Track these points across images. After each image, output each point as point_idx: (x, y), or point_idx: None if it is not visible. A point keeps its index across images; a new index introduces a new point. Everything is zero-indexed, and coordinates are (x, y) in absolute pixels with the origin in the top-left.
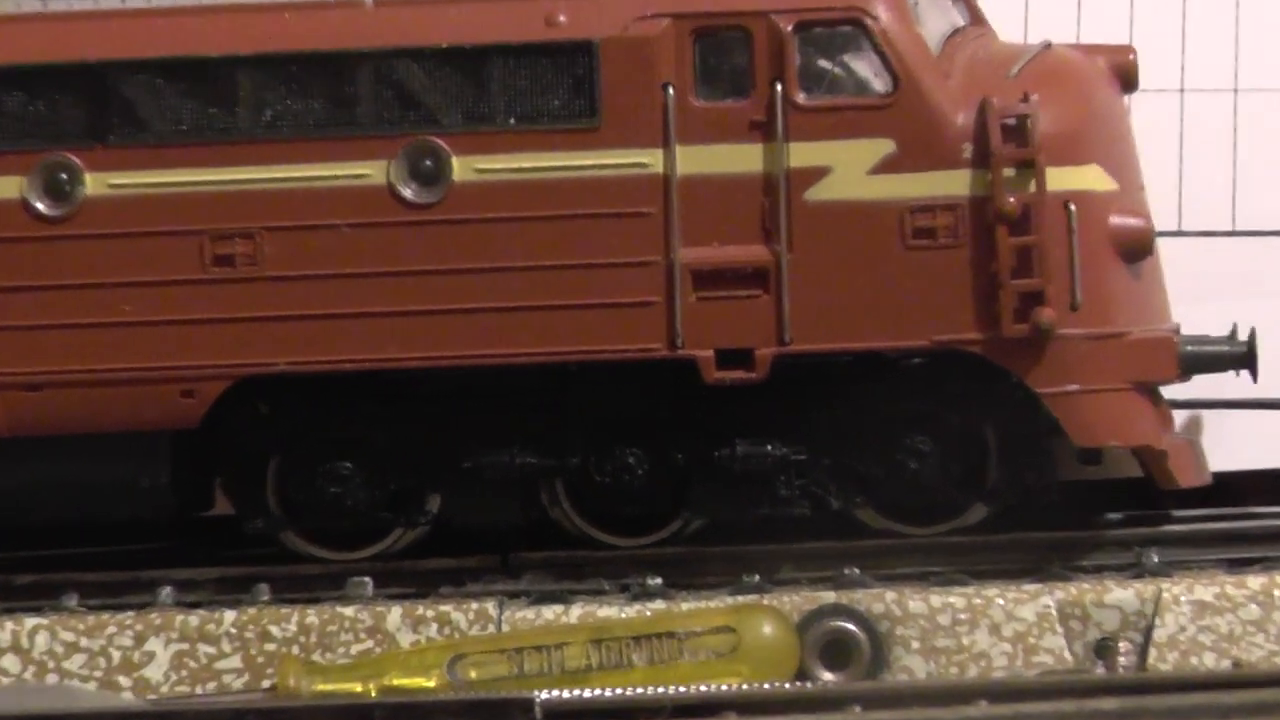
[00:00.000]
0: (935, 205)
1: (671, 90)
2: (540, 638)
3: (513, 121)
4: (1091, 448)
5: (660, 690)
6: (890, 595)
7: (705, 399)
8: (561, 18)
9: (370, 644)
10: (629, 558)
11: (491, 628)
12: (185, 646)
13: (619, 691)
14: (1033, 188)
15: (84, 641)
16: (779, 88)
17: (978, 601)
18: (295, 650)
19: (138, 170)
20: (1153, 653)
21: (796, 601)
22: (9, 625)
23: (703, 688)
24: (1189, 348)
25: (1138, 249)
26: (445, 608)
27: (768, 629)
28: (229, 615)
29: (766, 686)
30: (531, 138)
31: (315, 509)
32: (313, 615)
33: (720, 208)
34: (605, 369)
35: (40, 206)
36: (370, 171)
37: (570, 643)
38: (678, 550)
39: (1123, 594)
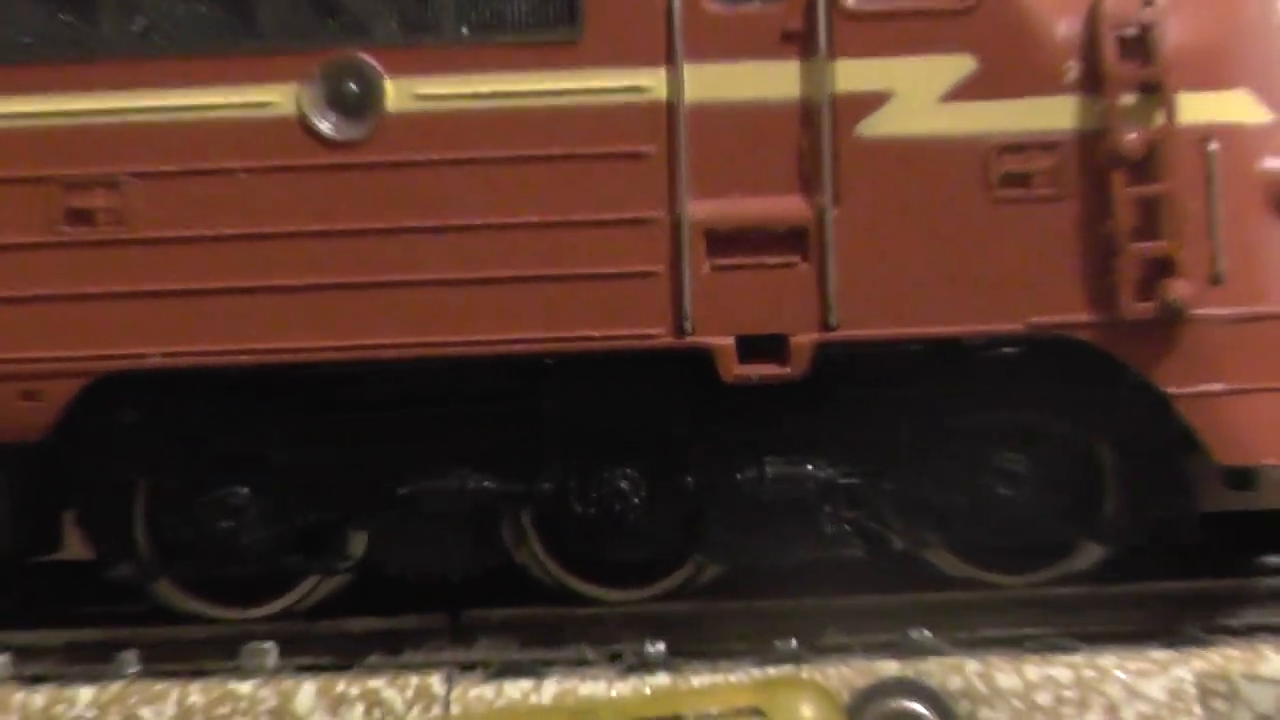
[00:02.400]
0: (1030, 143)
1: None
2: None
3: (465, 32)
4: (1241, 468)
5: None
6: (972, 666)
7: (724, 403)
8: None
9: None
10: (621, 616)
11: (437, 709)
12: None
13: None
14: (1160, 120)
15: None
16: None
17: (1089, 674)
18: None
19: None
20: None
21: (846, 675)
22: None
23: None
24: None
25: None
26: (375, 683)
27: (807, 712)
28: (84, 693)
29: None
30: (490, 54)
31: (199, 550)
32: (197, 694)
33: (743, 147)
34: (590, 363)
35: None
36: (275, 98)
37: None
38: (687, 607)
39: None
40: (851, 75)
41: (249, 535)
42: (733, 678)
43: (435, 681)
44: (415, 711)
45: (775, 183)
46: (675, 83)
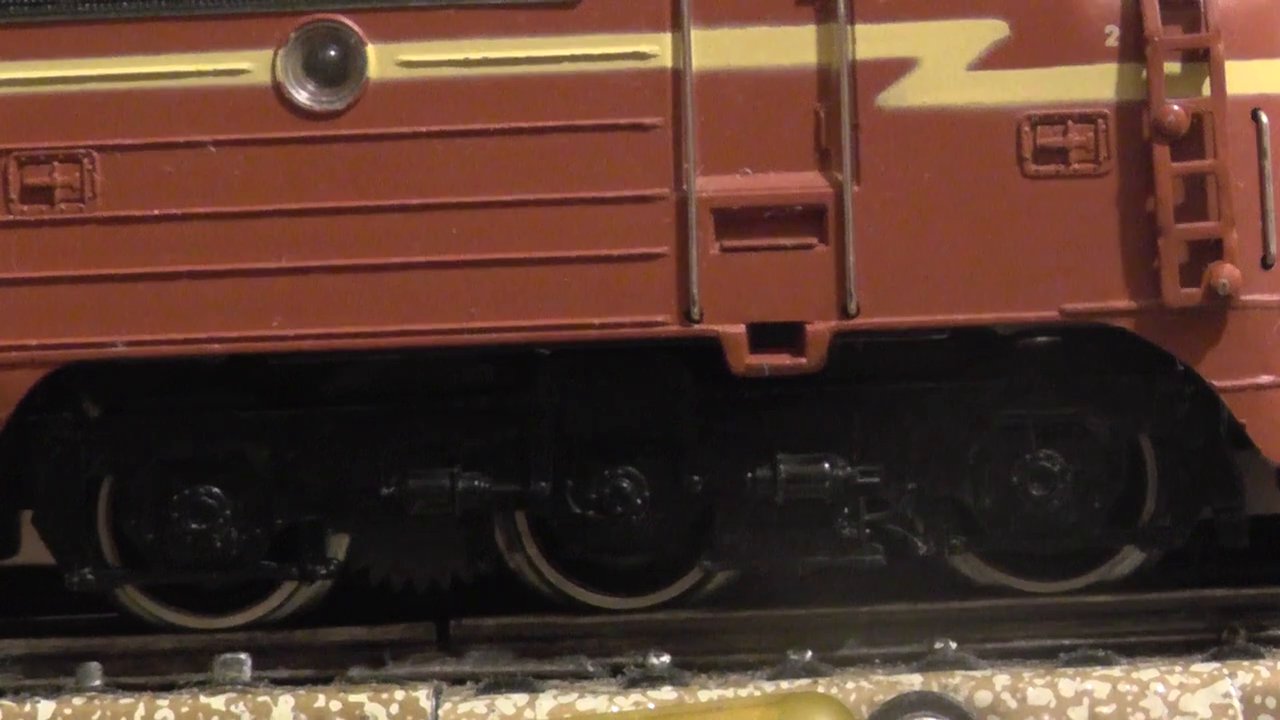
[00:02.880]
0: (1067, 115)
1: None
2: None
3: None
4: None
5: None
6: (1002, 680)
7: (734, 395)
8: None
9: None
10: (623, 626)
11: None
12: None
13: None
14: (1207, 90)
15: None
16: None
17: (1128, 689)
18: None
19: None
20: None
21: (866, 689)
22: None
23: None
24: None
25: None
26: (357, 698)
27: None
28: (44, 708)
29: None
30: (480, 18)
31: (168, 555)
32: (165, 709)
33: (755, 119)
34: (589, 353)
35: None
36: (248, 65)
37: None
38: (694, 616)
39: None
40: (873, 41)
41: (221, 538)
42: (743, 692)
43: (422, 696)
44: None
45: (790, 158)
46: (682, 49)
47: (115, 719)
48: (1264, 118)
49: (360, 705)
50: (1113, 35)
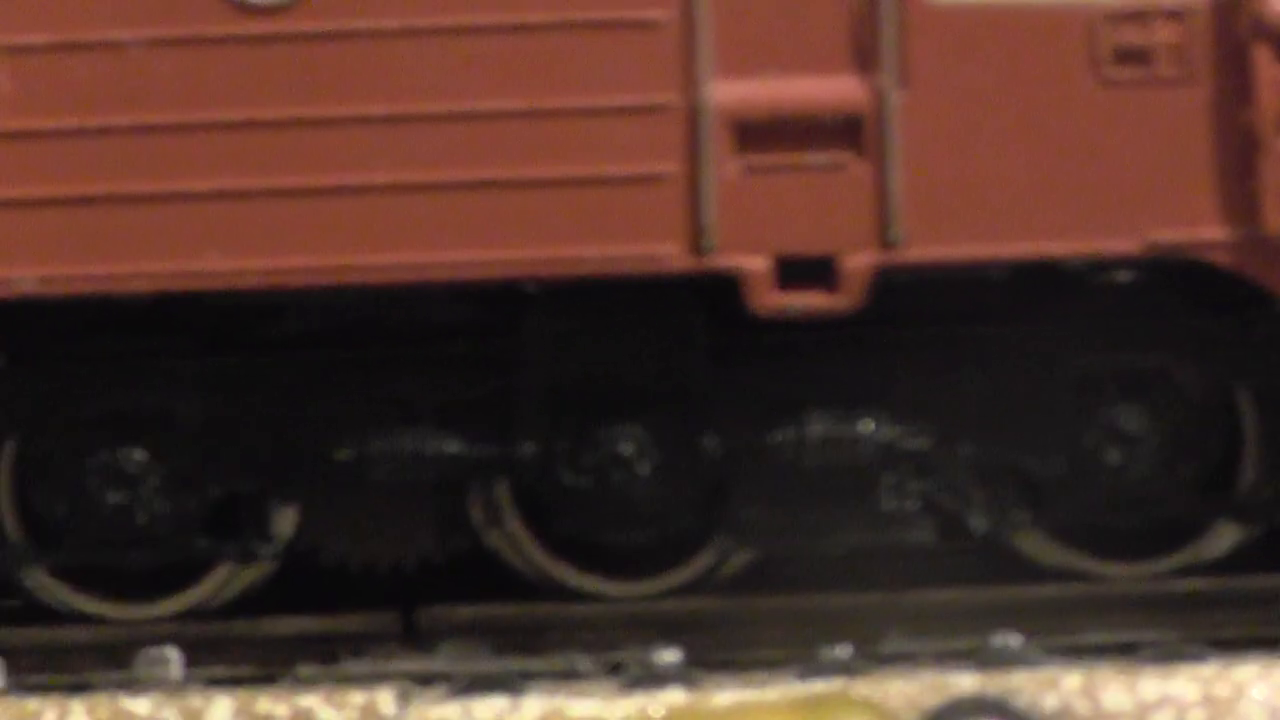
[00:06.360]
0: (1150, 10)
1: None
2: None
3: None
4: None
5: None
6: (1072, 680)
7: (754, 341)
8: None
9: None
10: (623, 616)
11: None
12: None
13: None
14: None
15: None
16: None
17: (1221, 690)
18: None
19: None
20: None
21: (911, 692)
22: None
23: None
24: None
25: None
26: (308, 700)
27: None
28: None
29: None
30: None
31: (82, 531)
32: (80, 712)
33: (781, 12)
34: (584, 292)
35: None
36: None
37: None
38: (708, 604)
39: None
40: None
41: (146, 511)
42: (767, 694)
43: (385, 699)
44: None
45: (823, 58)
46: None
47: None
48: None
49: (311, 710)
50: None
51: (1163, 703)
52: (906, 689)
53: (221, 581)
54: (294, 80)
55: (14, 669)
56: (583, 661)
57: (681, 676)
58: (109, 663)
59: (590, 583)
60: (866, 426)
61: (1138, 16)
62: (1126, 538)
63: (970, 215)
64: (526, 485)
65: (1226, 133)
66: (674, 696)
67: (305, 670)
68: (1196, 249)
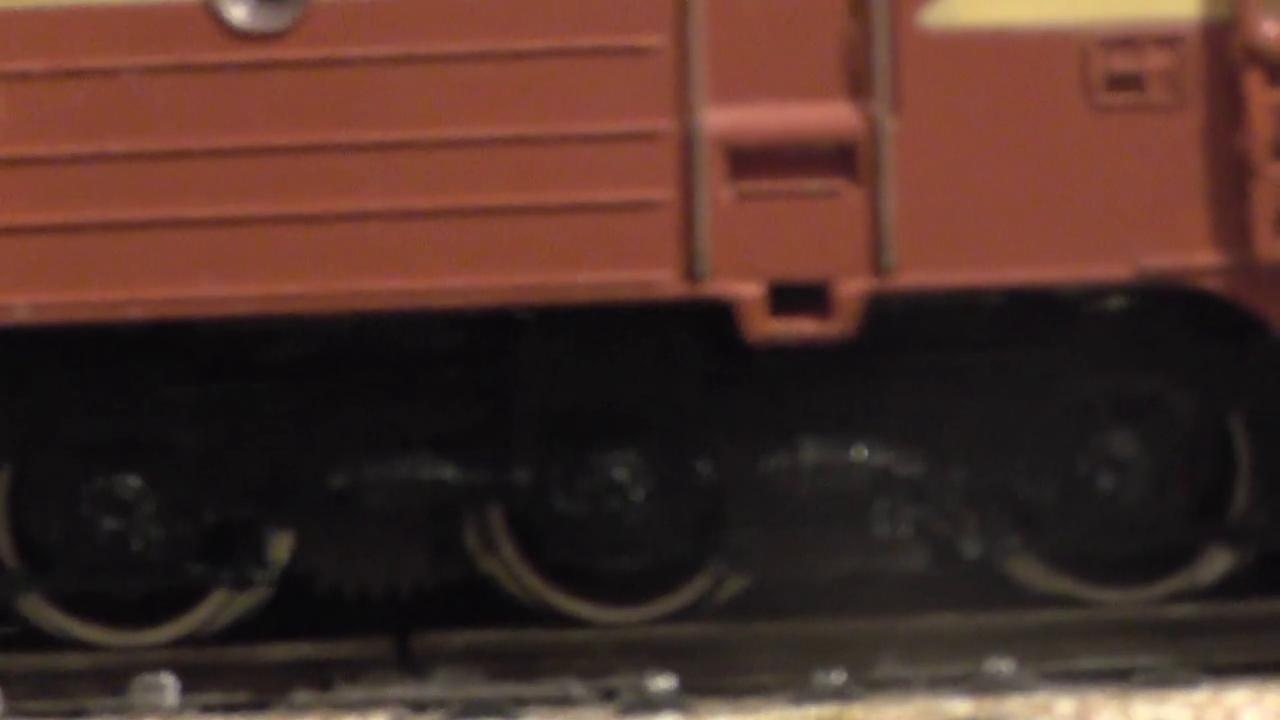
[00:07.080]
0: (1143, 36)
1: None
2: None
3: None
4: None
5: None
6: (1064, 705)
7: (748, 368)
8: None
9: None
10: (618, 642)
11: None
12: None
13: None
14: None
15: None
16: None
17: (1214, 716)
18: None
19: None
20: None
21: (906, 717)
22: None
23: None
24: None
25: None
26: None
27: None
28: None
29: None
30: None
31: (78, 557)
32: None
33: (775, 39)
34: (577, 318)
35: None
36: None
37: None
38: (703, 630)
39: None
40: None
41: (142, 538)
42: None
43: None
44: None
45: (816, 85)
46: None
47: None
48: None
49: None
50: None
51: None
52: (900, 714)
53: (217, 608)
54: (288, 107)
55: (10, 695)
56: (577, 687)
57: (676, 702)
58: (105, 689)
59: (585, 609)
60: (860, 453)
61: (1130, 42)
62: (1119, 563)
63: (963, 242)
64: (521, 511)
65: (1219, 158)
66: None
67: (300, 697)
68: (1189, 275)
